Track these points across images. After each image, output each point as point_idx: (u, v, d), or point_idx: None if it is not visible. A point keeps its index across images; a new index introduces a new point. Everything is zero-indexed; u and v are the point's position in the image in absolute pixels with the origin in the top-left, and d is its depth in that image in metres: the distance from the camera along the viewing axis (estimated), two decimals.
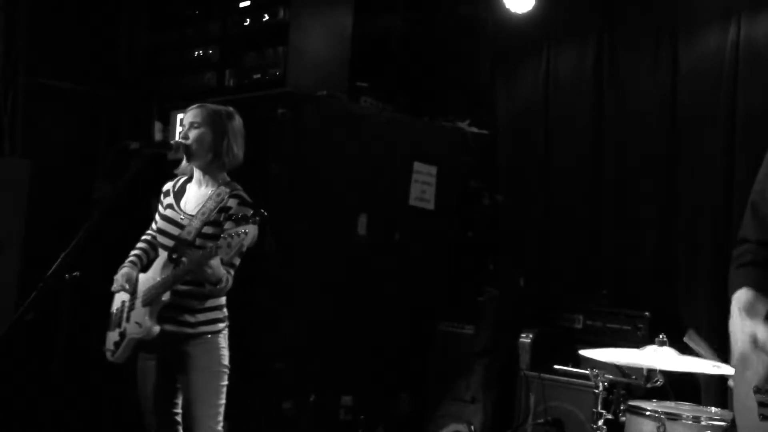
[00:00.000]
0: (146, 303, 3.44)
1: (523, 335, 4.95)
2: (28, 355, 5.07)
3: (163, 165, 4.98)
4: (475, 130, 5.92)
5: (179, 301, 3.46)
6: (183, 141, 3.51)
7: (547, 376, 4.76)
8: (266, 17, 5.27)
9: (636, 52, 5.23)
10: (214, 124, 3.57)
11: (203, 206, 3.48)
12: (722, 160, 4.76)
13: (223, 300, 3.56)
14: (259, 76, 5.26)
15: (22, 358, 5.04)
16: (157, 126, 5.49)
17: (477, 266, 5.78)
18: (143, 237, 3.75)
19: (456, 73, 6.11)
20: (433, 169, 5.68)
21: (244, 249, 3.24)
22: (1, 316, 4.88)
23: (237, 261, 3.47)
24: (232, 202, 3.47)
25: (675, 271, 4.96)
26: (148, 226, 5.21)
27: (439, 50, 6.15)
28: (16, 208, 5.30)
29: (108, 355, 3.58)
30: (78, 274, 3.13)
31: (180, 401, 3.57)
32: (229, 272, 3.42)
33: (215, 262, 3.27)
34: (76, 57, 5.84)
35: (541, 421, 4.65)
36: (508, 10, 5.45)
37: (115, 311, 3.59)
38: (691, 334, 4.16)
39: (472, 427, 4.96)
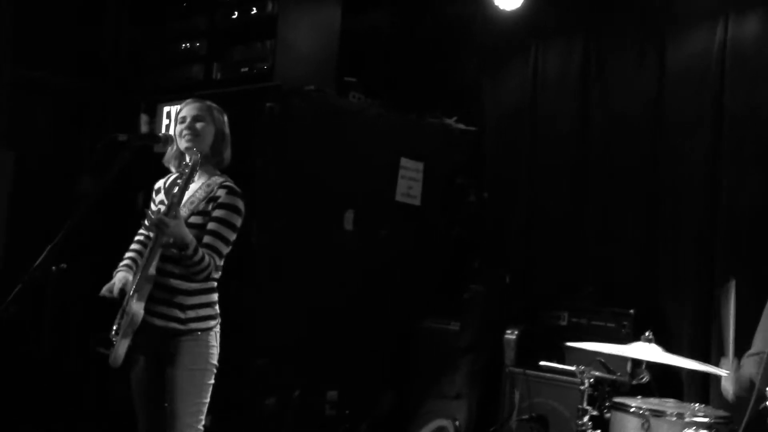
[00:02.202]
0: (135, 290, 3.42)
1: (509, 332, 4.97)
2: (11, 349, 5.09)
3: (149, 157, 5.02)
4: (462, 127, 5.93)
5: (168, 295, 3.46)
6: (190, 133, 3.52)
7: (532, 372, 4.77)
8: (254, 10, 5.26)
9: (623, 52, 5.25)
10: (215, 120, 3.61)
11: (192, 196, 3.50)
12: (708, 160, 4.78)
13: (214, 297, 3.56)
14: (246, 69, 5.25)
15: (5, 352, 5.05)
16: (143, 118, 5.47)
17: (462, 263, 5.78)
18: (135, 239, 3.73)
19: (443, 70, 6.10)
20: (420, 165, 5.69)
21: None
22: None
23: (229, 236, 3.45)
24: (221, 192, 3.49)
25: (659, 270, 4.98)
26: (133, 218, 5.19)
27: (427, 47, 6.15)
28: None
29: (109, 359, 3.49)
30: (65, 266, 3.13)
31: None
32: (214, 249, 3.40)
33: (172, 221, 3.28)
34: (61, 49, 5.86)
35: (526, 417, 4.66)
36: (496, 8, 5.47)
37: (116, 319, 3.55)
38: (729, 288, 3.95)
39: (457, 423, 4.97)
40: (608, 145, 5.29)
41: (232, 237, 3.46)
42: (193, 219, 3.45)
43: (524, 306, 5.25)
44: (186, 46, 5.62)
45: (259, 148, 4.94)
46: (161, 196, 3.66)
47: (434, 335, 5.40)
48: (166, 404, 3.48)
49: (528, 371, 4.79)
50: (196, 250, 3.35)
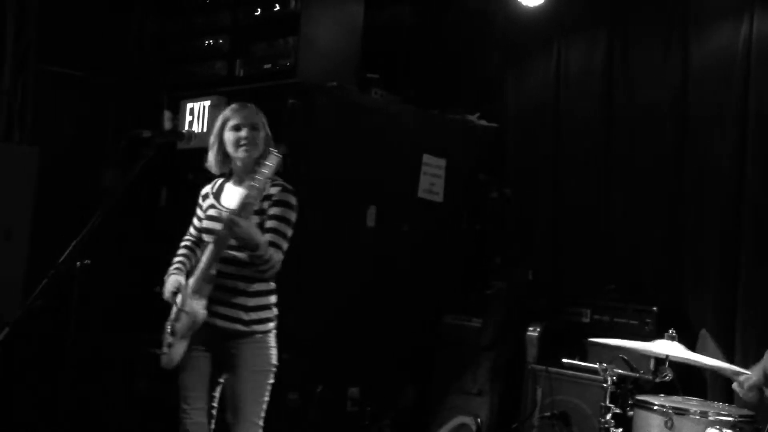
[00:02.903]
0: (194, 291, 3.45)
1: (531, 329, 4.97)
2: (37, 342, 5.13)
3: (171, 154, 5.06)
4: (484, 123, 5.91)
5: (230, 297, 3.48)
6: (248, 143, 3.54)
7: (555, 369, 4.78)
8: (277, 7, 5.25)
9: (647, 47, 5.23)
10: (264, 124, 3.64)
11: (244, 198, 3.48)
12: (732, 156, 4.75)
13: (274, 298, 3.60)
14: (269, 66, 5.23)
15: (31, 345, 5.09)
16: (167, 115, 5.47)
17: (485, 259, 5.79)
18: (182, 243, 3.76)
19: (466, 66, 6.09)
20: (442, 162, 5.67)
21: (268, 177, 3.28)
22: (9, 303, 4.91)
23: (287, 232, 3.48)
24: (274, 190, 3.51)
25: (683, 267, 4.96)
26: (156, 214, 5.22)
27: (449, 43, 6.14)
28: (23, 196, 5.31)
29: (162, 359, 3.57)
30: (89, 261, 3.18)
31: (217, 395, 3.63)
32: (277, 246, 3.43)
33: (245, 222, 3.28)
34: (86, 45, 5.83)
35: (548, 414, 4.66)
36: (519, 4, 5.48)
37: (168, 321, 3.60)
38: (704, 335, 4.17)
39: (479, 420, 4.99)
40: (632, 141, 5.26)
41: (290, 233, 3.50)
42: (224, 214, 3.46)
43: (547, 303, 5.24)
44: (209, 43, 5.61)
45: (282, 145, 4.72)
46: (210, 201, 3.67)
47: (456, 332, 5.39)
48: (213, 404, 3.58)
49: (550, 368, 4.79)
50: (266, 250, 3.38)
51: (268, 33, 5.29)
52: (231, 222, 3.31)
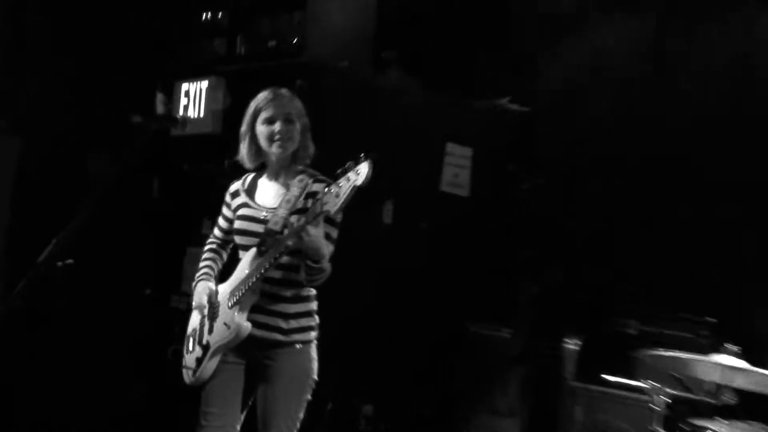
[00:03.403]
0: (234, 303, 3.38)
1: (569, 342, 4.83)
2: (15, 347, 5.00)
3: (164, 142, 5.14)
4: (515, 107, 5.85)
5: (269, 303, 3.39)
6: (282, 139, 3.44)
7: (596, 387, 4.67)
8: None
9: (699, 23, 5.15)
10: (301, 114, 3.52)
11: (286, 194, 3.43)
12: None
13: (315, 305, 3.52)
14: (273, 44, 5.21)
15: (8, 349, 4.96)
16: (159, 97, 5.44)
17: (514, 260, 5.70)
18: (207, 247, 3.70)
19: (494, 45, 5.98)
20: (468, 151, 5.63)
21: (354, 191, 3.13)
22: None
23: (335, 235, 3.40)
24: (317, 187, 3.38)
25: (745, 273, 4.82)
26: (147, 208, 5.15)
27: (476, 19, 5.97)
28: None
29: (188, 375, 3.51)
30: (72, 262, 3.04)
31: (245, 409, 3.55)
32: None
33: (315, 230, 3.18)
34: (70, 24, 5.69)
35: None
36: None
37: (191, 331, 3.55)
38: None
39: None
40: (683, 128, 5.11)
41: (336, 234, 3.41)
42: (294, 219, 3.34)
43: (585, 310, 5.11)
44: (207, 17, 5.56)
45: None
46: (242, 199, 3.57)
47: (481, 342, 5.34)
48: (241, 417, 3.50)
49: (590, 386, 4.68)
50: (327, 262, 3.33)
51: (273, 7, 5.28)
52: (302, 231, 3.19)
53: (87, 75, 5.70)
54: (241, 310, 3.36)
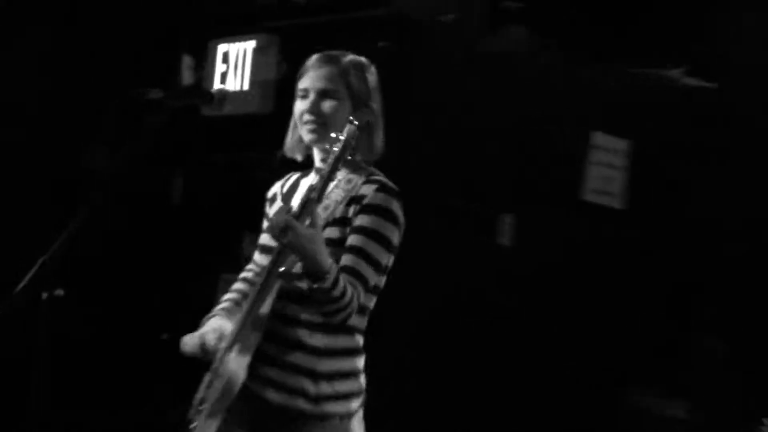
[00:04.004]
0: (235, 341, 3.35)
1: None
2: None
3: (192, 124, 5.15)
4: (694, 82, 5.82)
5: (290, 354, 3.31)
6: (313, 120, 3.38)
7: None
8: None
9: None
10: (354, 91, 3.40)
11: (326, 199, 3.31)
12: None
13: (361, 362, 3.41)
14: None
15: None
16: (186, 62, 5.51)
17: (689, 302, 5.70)
18: (242, 274, 3.65)
19: None
20: (623, 144, 5.63)
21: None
22: None
23: (382, 257, 3.29)
24: (367, 189, 3.29)
25: None
26: (166, 216, 5.39)
27: None
28: None
29: None
30: (62, 292, 3.06)
31: None
32: (359, 277, 3.26)
33: (302, 228, 3.07)
34: None
35: None
36: None
37: (200, 387, 3.48)
38: None
39: None
40: None
41: (386, 259, 3.30)
42: (327, 232, 3.27)
43: None
44: None
45: None
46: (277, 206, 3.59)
47: (644, 417, 5.35)
48: None
49: None
50: (336, 281, 3.16)
51: None
52: (285, 226, 3.07)
53: (79, 32, 5.77)
54: (239, 352, 3.29)
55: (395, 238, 3.30)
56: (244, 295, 3.55)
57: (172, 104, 3.32)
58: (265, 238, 3.50)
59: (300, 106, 3.38)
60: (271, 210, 3.56)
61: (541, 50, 5.44)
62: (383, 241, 3.29)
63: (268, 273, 3.25)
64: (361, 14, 5.09)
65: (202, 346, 3.35)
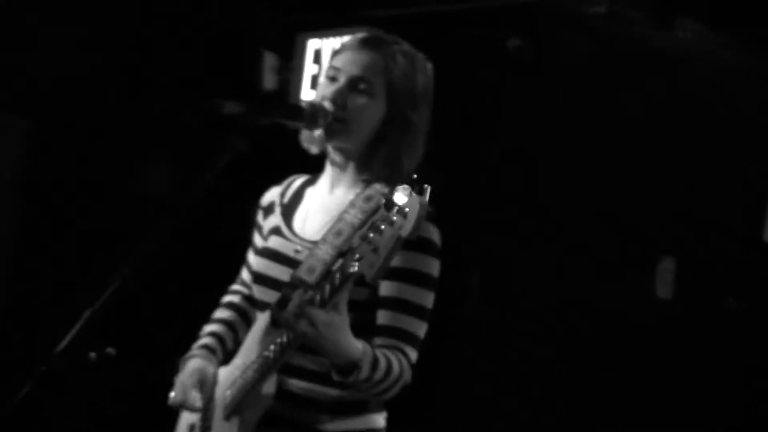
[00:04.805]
0: (231, 412, 3.12)
1: None
2: None
3: (277, 140, 4.76)
4: None
5: (295, 413, 3.07)
6: (328, 107, 3.08)
7: None
8: None
9: None
10: (396, 91, 3.07)
11: (339, 221, 3.05)
12: None
13: (381, 419, 3.19)
14: None
15: None
16: (269, 62, 5.43)
17: None
18: (225, 298, 3.41)
19: None
20: None
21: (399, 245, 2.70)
22: None
23: (428, 303, 3.09)
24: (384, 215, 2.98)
25: None
26: (243, 253, 4.82)
27: None
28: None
29: None
30: (113, 351, 2.84)
31: None
32: (408, 339, 3.05)
33: (326, 315, 2.83)
34: None
35: None
36: None
37: None
38: None
39: None
40: None
41: (430, 302, 3.05)
42: (350, 293, 2.98)
43: None
44: None
45: (487, 125, 4.90)
46: (275, 221, 3.24)
47: None
48: None
49: None
50: (374, 364, 2.93)
51: None
52: (300, 317, 2.83)
53: (133, 26, 5.70)
54: (241, 425, 3.13)
55: (437, 272, 3.04)
56: (227, 324, 3.36)
57: (254, 121, 2.95)
58: (258, 264, 3.21)
59: (324, 89, 3.09)
60: (266, 222, 3.30)
61: (721, 49, 5.06)
62: (426, 282, 3.05)
63: (281, 350, 2.99)
64: (485, 3, 4.97)
65: (185, 403, 3.14)
